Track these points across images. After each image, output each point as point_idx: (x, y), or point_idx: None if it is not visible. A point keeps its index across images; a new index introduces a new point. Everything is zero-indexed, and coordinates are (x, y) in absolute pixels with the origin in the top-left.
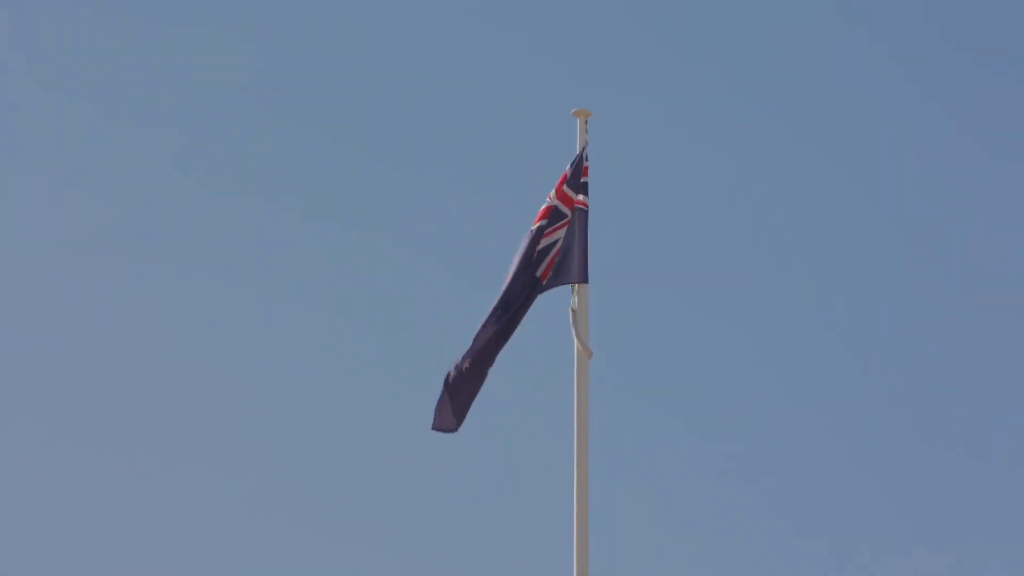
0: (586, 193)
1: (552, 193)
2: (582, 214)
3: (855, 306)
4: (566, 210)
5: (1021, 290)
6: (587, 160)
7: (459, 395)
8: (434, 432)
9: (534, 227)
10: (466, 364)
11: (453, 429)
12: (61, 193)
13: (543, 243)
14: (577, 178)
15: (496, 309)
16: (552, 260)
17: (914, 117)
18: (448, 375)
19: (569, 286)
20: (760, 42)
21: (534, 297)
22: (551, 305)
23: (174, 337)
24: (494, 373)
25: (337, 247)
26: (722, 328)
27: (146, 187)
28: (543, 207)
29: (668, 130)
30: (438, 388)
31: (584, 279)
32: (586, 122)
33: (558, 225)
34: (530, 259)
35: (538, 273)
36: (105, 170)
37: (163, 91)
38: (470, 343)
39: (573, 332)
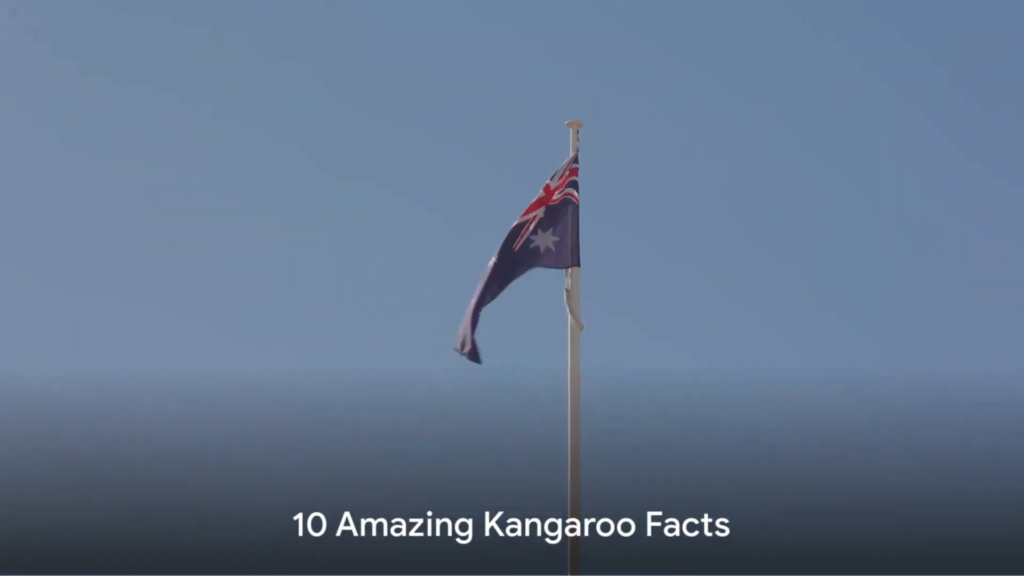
0: (576, 190)
1: (543, 192)
2: (574, 208)
3: (853, 301)
4: (558, 205)
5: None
6: (578, 163)
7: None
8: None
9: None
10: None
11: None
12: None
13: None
14: (570, 177)
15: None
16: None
17: (900, 118)
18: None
19: (563, 269)
20: (754, 48)
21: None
22: (549, 285)
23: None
24: (497, 344)
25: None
26: (705, 303)
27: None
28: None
29: (665, 131)
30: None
31: (576, 263)
32: (578, 131)
33: (538, 214)
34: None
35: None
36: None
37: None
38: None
39: (567, 308)
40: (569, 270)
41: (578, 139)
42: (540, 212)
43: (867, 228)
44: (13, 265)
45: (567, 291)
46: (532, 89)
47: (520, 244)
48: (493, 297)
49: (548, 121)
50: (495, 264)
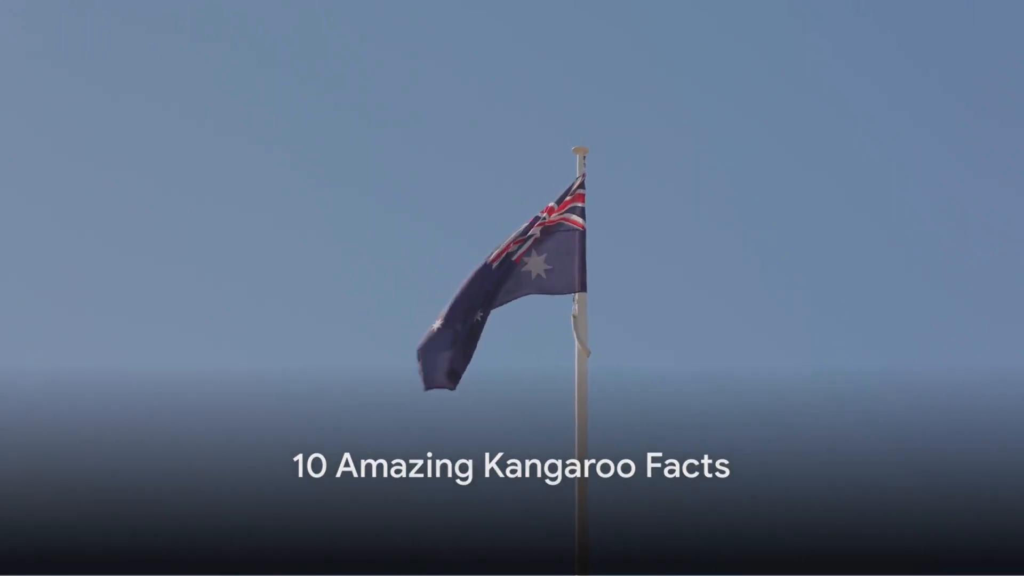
0: (583, 216)
1: (544, 213)
2: (580, 234)
3: (852, 305)
4: (552, 227)
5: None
6: (584, 189)
7: (438, 357)
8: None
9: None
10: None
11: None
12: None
13: (521, 250)
14: (572, 203)
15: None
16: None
17: (888, 122)
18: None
19: (570, 295)
20: (756, 59)
21: (524, 292)
22: (554, 311)
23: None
24: (504, 366)
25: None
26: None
27: (154, 153)
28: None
29: (665, 143)
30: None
31: (583, 289)
32: (584, 157)
33: (535, 236)
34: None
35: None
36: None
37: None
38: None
39: (574, 334)
40: (576, 296)
41: (584, 164)
42: (536, 232)
43: (864, 234)
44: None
45: (574, 317)
46: (533, 105)
47: (500, 259)
48: (474, 312)
49: (545, 135)
50: (476, 275)
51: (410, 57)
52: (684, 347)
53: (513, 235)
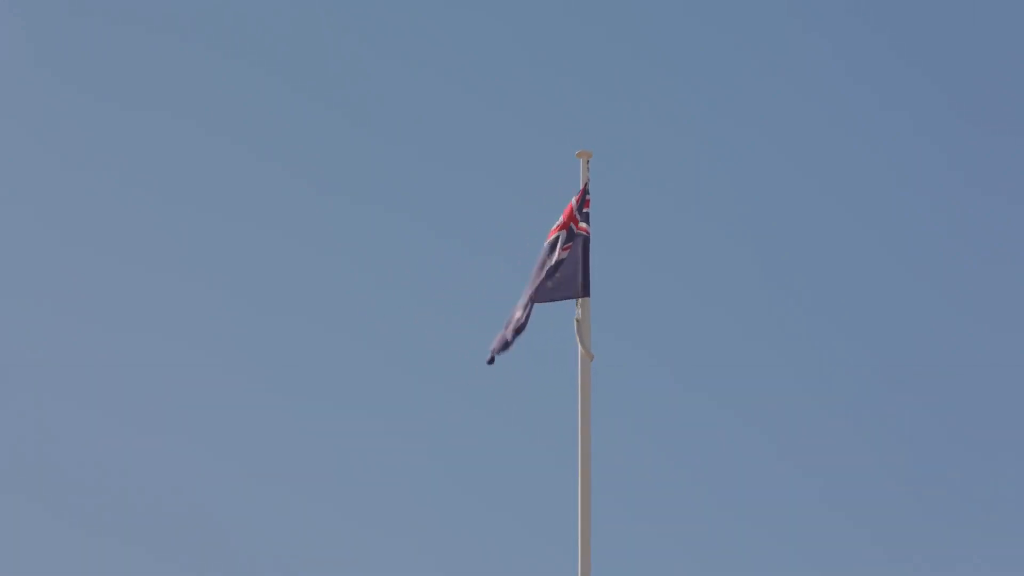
0: (588, 222)
1: (564, 216)
2: (584, 239)
3: (853, 314)
4: (577, 231)
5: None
6: (588, 194)
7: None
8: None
9: (551, 237)
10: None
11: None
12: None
13: (557, 256)
14: (580, 208)
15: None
16: (550, 277)
17: (888, 124)
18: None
19: (573, 300)
20: (750, 65)
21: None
22: (558, 316)
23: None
24: (507, 372)
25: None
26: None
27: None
28: (558, 224)
29: (668, 154)
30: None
31: (586, 293)
32: (588, 161)
33: (567, 245)
34: (545, 266)
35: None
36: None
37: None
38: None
39: (577, 339)
40: (579, 300)
41: (588, 168)
42: (559, 238)
43: (863, 236)
44: None
45: (577, 321)
46: (533, 109)
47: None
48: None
49: (546, 138)
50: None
51: (410, 61)
52: (685, 349)
53: (545, 256)
